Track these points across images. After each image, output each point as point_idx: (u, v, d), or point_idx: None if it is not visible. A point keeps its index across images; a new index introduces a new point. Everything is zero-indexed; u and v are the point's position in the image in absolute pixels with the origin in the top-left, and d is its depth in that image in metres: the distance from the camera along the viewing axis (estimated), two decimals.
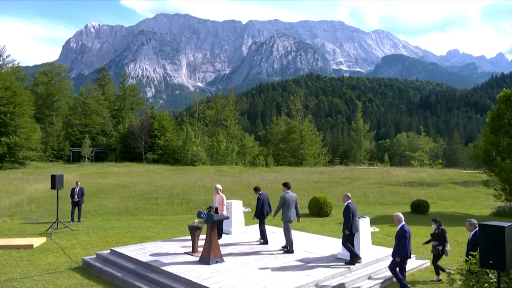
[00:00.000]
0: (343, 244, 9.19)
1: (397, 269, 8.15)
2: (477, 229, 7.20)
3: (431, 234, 9.29)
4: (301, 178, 35.23)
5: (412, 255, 10.42)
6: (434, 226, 9.20)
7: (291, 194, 10.42)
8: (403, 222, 8.25)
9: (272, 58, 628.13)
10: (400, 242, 8.04)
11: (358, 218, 9.57)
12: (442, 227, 9.12)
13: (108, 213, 19.56)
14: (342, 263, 9.18)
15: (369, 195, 25.82)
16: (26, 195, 23.80)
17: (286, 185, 10.56)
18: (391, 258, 9.54)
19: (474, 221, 7.59)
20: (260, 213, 11.05)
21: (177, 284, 7.85)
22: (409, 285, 8.14)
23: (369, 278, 8.89)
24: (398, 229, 8.24)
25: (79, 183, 16.94)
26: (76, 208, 16.67)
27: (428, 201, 21.21)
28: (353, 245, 9.18)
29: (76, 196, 16.42)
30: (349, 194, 9.56)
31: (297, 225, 15.86)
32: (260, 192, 11.35)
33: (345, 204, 9.26)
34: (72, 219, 16.44)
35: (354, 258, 9.10)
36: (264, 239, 11.16)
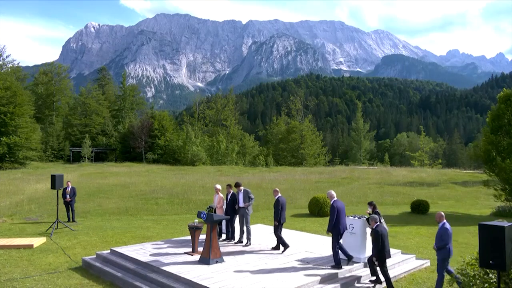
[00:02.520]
0: (275, 233, 10.20)
1: (337, 246, 8.85)
2: (378, 223, 8.19)
3: (366, 218, 9.53)
4: (301, 178, 35.24)
5: (411, 255, 10.44)
6: (369, 210, 9.57)
7: None
8: (335, 198, 9.06)
9: (272, 58, 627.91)
10: (330, 216, 8.86)
11: (358, 218, 9.58)
12: (377, 210, 9.40)
13: (108, 213, 19.56)
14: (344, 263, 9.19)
15: (369, 195, 25.82)
16: (26, 195, 23.81)
17: (241, 185, 11.37)
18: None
19: (375, 216, 8.32)
20: (234, 211, 11.29)
21: (177, 284, 7.85)
22: (340, 263, 8.83)
23: (369, 277, 8.88)
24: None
25: (70, 183, 16.83)
26: (69, 207, 16.56)
27: (428, 201, 21.23)
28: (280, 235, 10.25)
29: (68, 196, 16.38)
30: (277, 189, 10.57)
31: (297, 225, 15.88)
32: (232, 191, 11.56)
33: (276, 198, 10.26)
34: (69, 219, 16.38)
35: (284, 246, 10.15)
36: (232, 236, 11.54)
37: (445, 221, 8.13)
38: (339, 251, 8.88)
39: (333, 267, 8.77)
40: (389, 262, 9.73)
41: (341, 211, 8.85)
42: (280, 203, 10.11)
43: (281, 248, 10.23)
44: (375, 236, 8.09)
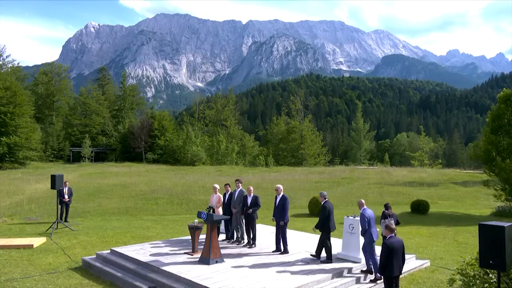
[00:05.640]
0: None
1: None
2: (326, 199, 9.38)
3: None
4: (301, 178, 35.23)
5: (411, 255, 10.43)
6: (389, 211, 10.32)
7: None
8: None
9: (272, 58, 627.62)
10: (286, 207, 10.04)
11: (355, 217, 9.63)
12: (384, 210, 10.30)
13: (108, 213, 19.57)
14: (343, 263, 9.20)
15: (369, 195, 25.82)
16: (26, 195, 23.80)
17: (241, 182, 11.46)
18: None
19: (323, 193, 9.59)
20: (230, 210, 11.22)
21: (177, 284, 7.85)
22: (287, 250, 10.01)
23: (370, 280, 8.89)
24: (280, 198, 10.12)
25: (67, 183, 16.67)
26: (64, 208, 16.35)
27: (428, 201, 21.24)
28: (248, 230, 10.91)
29: (66, 196, 16.26)
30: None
31: (297, 225, 15.88)
32: (230, 190, 11.54)
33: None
34: (60, 219, 15.62)
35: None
36: (232, 236, 11.58)
37: (364, 207, 8.76)
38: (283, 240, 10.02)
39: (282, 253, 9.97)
40: None
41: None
42: (258, 198, 10.52)
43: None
44: (322, 210, 9.21)
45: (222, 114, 69.72)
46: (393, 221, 10.08)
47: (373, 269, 8.68)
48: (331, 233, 9.46)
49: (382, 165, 65.86)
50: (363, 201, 9.06)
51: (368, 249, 8.66)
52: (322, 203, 9.41)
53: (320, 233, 9.44)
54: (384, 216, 10.26)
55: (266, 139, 77.62)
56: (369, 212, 8.74)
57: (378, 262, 8.35)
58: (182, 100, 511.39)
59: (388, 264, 6.44)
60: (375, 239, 8.67)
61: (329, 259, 9.23)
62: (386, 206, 10.52)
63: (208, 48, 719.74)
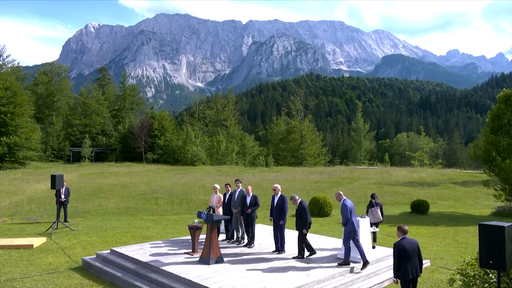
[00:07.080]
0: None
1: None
2: (300, 199, 9.54)
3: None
4: (301, 178, 35.23)
5: None
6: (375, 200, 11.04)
7: None
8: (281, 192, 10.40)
9: (272, 58, 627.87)
10: (285, 206, 10.20)
11: (359, 217, 9.63)
12: (376, 201, 10.99)
13: (108, 213, 19.56)
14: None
15: (369, 195, 25.79)
16: (26, 195, 23.79)
17: (240, 182, 11.37)
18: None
19: (295, 196, 9.62)
20: (231, 210, 11.20)
21: (177, 284, 7.85)
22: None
23: (369, 277, 8.88)
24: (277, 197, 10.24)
25: (65, 183, 16.50)
26: (62, 208, 16.19)
27: (428, 201, 21.22)
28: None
29: (62, 196, 16.22)
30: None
31: None
32: (230, 190, 11.52)
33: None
34: (58, 218, 15.69)
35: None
36: (232, 236, 11.63)
37: (344, 198, 9.06)
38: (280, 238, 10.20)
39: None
40: (388, 262, 9.75)
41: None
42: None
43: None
44: (302, 209, 9.36)
45: (222, 114, 69.77)
46: (379, 209, 10.82)
47: (345, 256, 8.97)
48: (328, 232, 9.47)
49: (382, 165, 65.88)
50: (341, 192, 9.28)
51: (346, 237, 8.87)
52: (298, 204, 9.51)
53: (299, 232, 9.56)
54: (371, 204, 10.71)
55: (266, 139, 77.66)
56: (350, 202, 9.02)
57: (350, 250, 8.94)
58: (182, 100, 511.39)
59: (400, 267, 6.41)
60: (356, 228, 8.91)
61: (302, 255, 9.53)
62: (373, 196, 11.14)
63: (208, 48, 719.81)
